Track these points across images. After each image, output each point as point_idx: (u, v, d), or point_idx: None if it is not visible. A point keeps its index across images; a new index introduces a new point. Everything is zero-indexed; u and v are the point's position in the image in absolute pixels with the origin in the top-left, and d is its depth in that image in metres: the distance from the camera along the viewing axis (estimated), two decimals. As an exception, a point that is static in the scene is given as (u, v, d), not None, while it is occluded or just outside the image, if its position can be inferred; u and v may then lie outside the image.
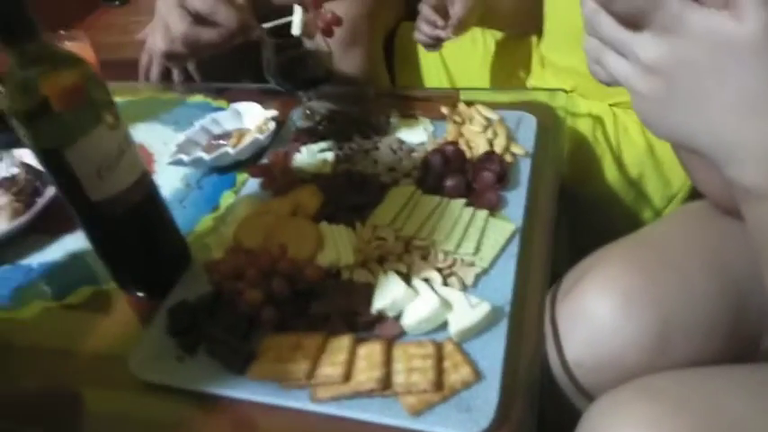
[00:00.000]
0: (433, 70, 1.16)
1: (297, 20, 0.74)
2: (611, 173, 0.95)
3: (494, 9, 0.99)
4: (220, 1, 0.75)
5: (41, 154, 0.56)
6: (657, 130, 0.40)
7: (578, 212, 0.97)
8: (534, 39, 1.11)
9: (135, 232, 0.62)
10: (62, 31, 1.02)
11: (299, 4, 0.74)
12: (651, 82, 0.38)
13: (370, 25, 1.02)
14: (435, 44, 0.93)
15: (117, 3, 1.62)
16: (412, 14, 1.11)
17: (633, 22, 0.37)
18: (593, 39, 0.42)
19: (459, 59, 1.15)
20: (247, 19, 0.74)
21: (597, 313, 0.60)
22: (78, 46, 1.01)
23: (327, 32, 0.79)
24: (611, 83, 0.42)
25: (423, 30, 0.92)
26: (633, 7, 0.36)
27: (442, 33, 0.89)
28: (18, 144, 0.84)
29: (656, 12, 0.36)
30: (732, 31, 0.35)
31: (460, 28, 0.89)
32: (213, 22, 0.74)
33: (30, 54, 0.52)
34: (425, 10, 0.90)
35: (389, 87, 1.15)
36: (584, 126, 0.95)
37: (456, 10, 0.88)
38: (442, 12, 0.90)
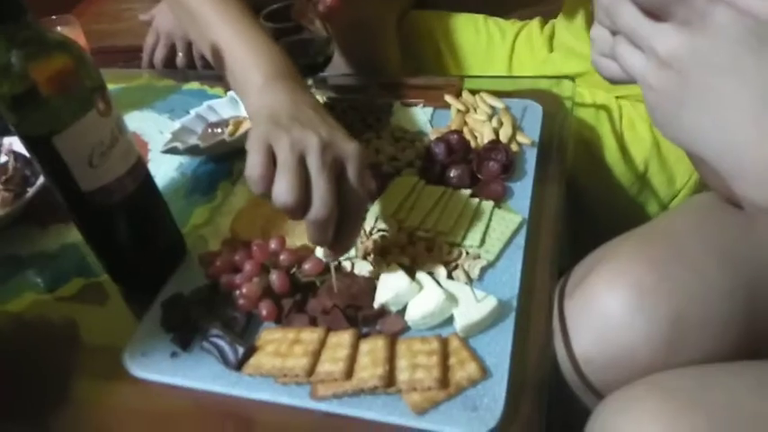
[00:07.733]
0: (432, 61, 1.13)
1: None
2: (615, 166, 0.93)
3: None
4: None
5: (29, 142, 0.53)
6: (666, 129, 0.37)
7: (581, 205, 0.95)
8: (540, 24, 1.08)
9: (128, 223, 0.60)
10: (53, 17, 0.99)
11: None
12: (665, 76, 0.35)
13: (376, 10, 0.99)
14: None
15: (109, -11, 1.59)
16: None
17: (655, 15, 0.35)
18: (603, 29, 0.39)
19: (460, 49, 1.12)
20: None
21: (607, 308, 0.58)
22: (69, 31, 0.98)
23: (328, 17, 0.76)
24: (616, 79, 0.40)
25: None
26: None
27: None
28: (7, 132, 0.82)
29: (681, 4, 0.33)
30: (756, 30, 0.32)
31: None
32: None
33: (17, 36, 0.49)
34: None
35: (391, 75, 1.12)
36: (589, 118, 0.93)
37: None
38: None
